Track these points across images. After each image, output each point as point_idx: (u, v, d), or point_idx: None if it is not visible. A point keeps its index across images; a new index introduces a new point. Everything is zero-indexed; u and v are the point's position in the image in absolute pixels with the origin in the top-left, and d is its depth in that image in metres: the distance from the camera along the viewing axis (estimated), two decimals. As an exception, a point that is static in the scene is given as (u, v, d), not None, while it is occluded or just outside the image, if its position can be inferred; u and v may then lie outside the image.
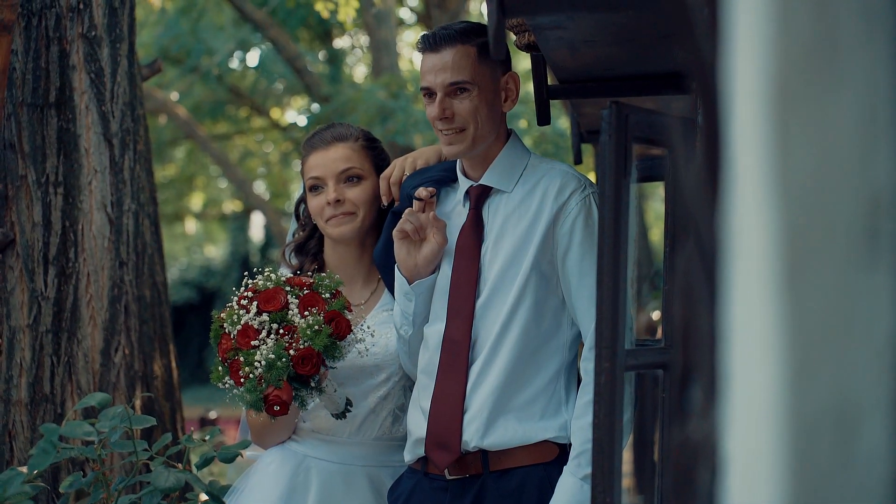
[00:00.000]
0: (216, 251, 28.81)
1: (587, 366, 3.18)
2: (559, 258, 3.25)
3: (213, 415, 13.36)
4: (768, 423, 1.14)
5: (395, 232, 3.41)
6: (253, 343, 3.25)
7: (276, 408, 3.23)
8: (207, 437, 3.44)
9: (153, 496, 3.18)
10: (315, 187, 3.65)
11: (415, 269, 3.41)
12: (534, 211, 3.28)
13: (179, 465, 3.33)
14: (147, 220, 4.65)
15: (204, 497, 3.37)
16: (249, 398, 3.23)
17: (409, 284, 3.43)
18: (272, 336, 3.26)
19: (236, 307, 3.34)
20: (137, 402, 4.41)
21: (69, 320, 4.36)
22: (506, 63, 3.36)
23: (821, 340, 1.14)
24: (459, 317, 3.32)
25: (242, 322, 3.29)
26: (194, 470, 3.44)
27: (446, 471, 3.32)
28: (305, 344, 3.24)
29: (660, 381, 2.96)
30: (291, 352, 3.22)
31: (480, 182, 3.37)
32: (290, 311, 3.30)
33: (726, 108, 1.21)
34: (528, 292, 3.26)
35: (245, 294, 3.35)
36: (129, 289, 4.47)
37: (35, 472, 3.06)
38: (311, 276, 3.44)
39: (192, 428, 3.98)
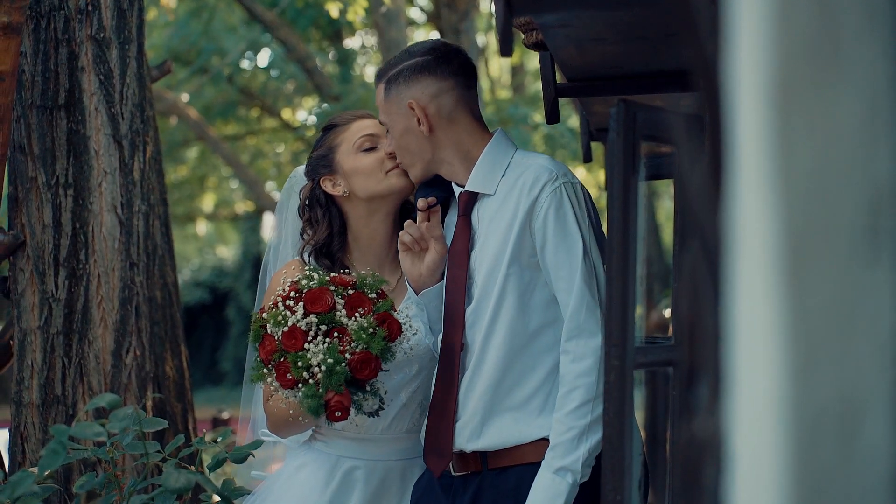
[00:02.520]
0: (228, 252, 28.87)
1: (564, 357, 3.19)
2: (539, 252, 3.26)
3: (225, 415, 13.40)
4: (771, 420, 1.14)
5: (398, 244, 3.46)
6: (305, 346, 3.21)
7: (338, 413, 3.21)
8: (219, 439, 3.44)
9: (165, 497, 3.19)
10: (370, 147, 3.64)
11: (420, 279, 3.45)
12: (512, 209, 3.30)
13: (192, 466, 3.33)
14: (157, 222, 4.66)
15: (217, 498, 3.38)
16: (310, 404, 3.19)
17: (417, 294, 3.47)
18: (323, 339, 3.22)
19: (281, 307, 3.30)
20: (149, 404, 4.42)
21: (80, 322, 4.37)
22: (416, 88, 3.39)
23: (823, 337, 1.14)
24: (452, 324, 3.36)
25: (289, 323, 3.24)
26: (206, 471, 3.45)
27: (451, 468, 3.35)
28: (360, 347, 3.21)
29: (670, 379, 2.95)
30: (347, 355, 3.20)
31: (465, 188, 3.40)
32: (339, 313, 3.27)
33: (729, 105, 1.21)
34: (509, 291, 3.28)
35: (288, 294, 3.32)
36: (139, 290, 4.47)
37: (45, 473, 3.06)
38: (353, 275, 3.41)
39: (205, 429, 3.99)
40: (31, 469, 3.16)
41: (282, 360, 3.22)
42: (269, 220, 25.65)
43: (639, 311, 2.69)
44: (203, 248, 28.77)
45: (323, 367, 3.17)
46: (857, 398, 1.15)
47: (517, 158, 3.38)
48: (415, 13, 18.11)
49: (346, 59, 17.49)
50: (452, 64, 3.40)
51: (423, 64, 3.38)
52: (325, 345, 3.20)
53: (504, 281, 3.27)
